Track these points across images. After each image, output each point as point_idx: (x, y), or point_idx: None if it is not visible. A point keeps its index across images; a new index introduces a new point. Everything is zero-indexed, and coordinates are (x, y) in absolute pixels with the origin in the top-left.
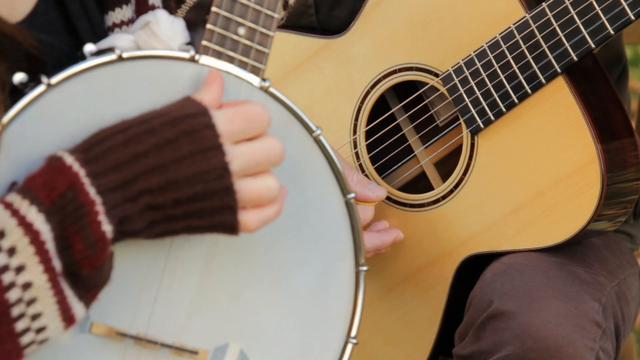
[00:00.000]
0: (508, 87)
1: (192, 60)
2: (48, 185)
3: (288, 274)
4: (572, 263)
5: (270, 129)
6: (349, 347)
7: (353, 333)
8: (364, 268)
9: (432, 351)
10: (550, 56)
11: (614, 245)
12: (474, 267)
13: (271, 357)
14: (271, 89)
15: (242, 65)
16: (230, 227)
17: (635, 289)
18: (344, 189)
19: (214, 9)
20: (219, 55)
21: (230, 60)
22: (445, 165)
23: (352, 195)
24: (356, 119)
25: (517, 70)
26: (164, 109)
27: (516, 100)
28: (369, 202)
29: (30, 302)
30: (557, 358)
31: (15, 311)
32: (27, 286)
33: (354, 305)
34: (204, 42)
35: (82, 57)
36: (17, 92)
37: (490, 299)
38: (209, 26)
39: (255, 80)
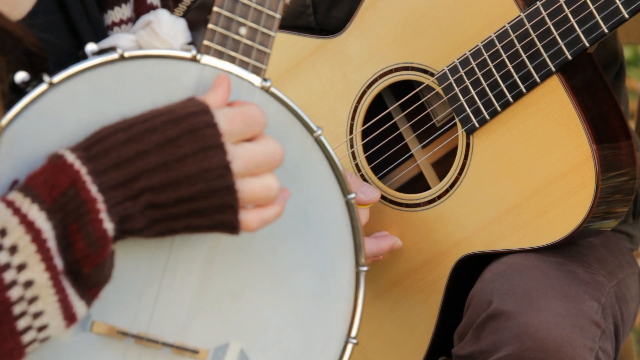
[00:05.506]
0: (503, 86)
1: (193, 60)
2: (49, 183)
3: (289, 273)
4: (572, 263)
5: (272, 129)
6: (349, 347)
7: (353, 333)
8: (364, 268)
9: (428, 351)
10: (545, 55)
11: (613, 245)
12: (470, 267)
13: (271, 357)
14: (272, 89)
15: (244, 65)
16: (231, 226)
17: (634, 288)
18: (344, 189)
19: (215, 9)
20: (220, 55)
21: (232, 60)
22: (443, 166)
23: (353, 195)
24: (352, 118)
25: (511, 69)
26: (165, 108)
27: (511, 100)
28: (363, 205)
29: (32, 300)
30: (556, 358)
31: (17, 309)
32: (28, 284)
33: (354, 306)
34: (206, 42)
35: (83, 57)
36: (20, 91)
37: (489, 299)
38: (210, 26)
39: (256, 80)
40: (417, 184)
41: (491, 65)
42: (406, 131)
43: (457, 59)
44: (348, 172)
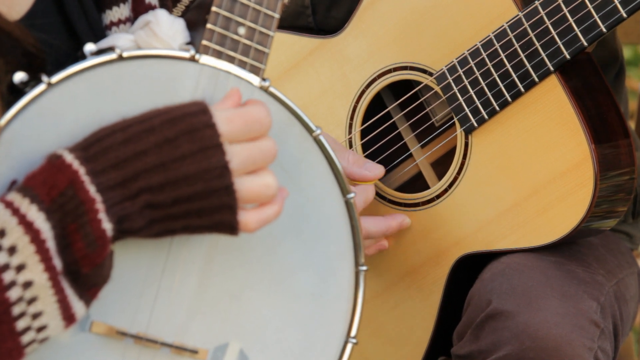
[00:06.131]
0: (501, 85)
1: (192, 59)
2: (48, 184)
3: (288, 273)
4: (571, 262)
5: (271, 129)
6: (349, 346)
7: (353, 333)
8: (364, 268)
9: (427, 350)
10: (543, 54)
11: (612, 244)
12: (468, 266)
13: (271, 357)
14: (271, 89)
15: (242, 64)
16: (230, 226)
17: (633, 288)
18: (343, 189)
19: (214, 8)
20: (219, 54)
21: (231, 59)
22: (442, 165)
23: (352, 195)
24: (351, 118)
25: (510, 69)
26: (164, 108)
27: (510, 99)
28: (368, 181)
29: (31, 301)
30: (555, 358)
31: (16, 310)
32: (27, 285)
33: (353, 305)
34: (204, 42)
35: (82, 57)
36: (18, 91)
37: (488, 298)
38: (209, 26)
39: (255, 79)
40: (416, 183)
41: (489, 64)
42: (405, 131)
43: (456, 59)
44: (350, 151)
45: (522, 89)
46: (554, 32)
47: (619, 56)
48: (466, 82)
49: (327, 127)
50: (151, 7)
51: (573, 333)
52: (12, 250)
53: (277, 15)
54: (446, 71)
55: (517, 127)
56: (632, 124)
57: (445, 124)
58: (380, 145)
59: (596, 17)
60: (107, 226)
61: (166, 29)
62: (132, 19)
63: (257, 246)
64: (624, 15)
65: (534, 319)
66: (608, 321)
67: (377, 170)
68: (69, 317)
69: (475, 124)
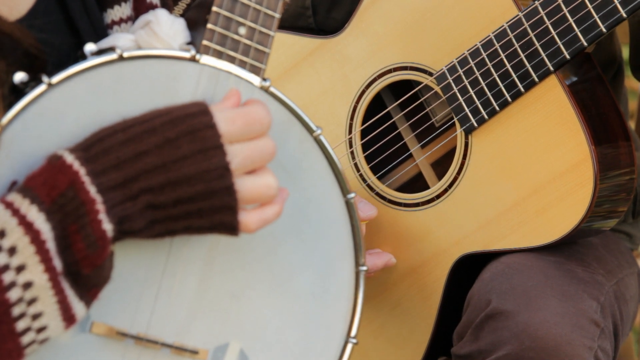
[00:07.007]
0: (501, 85)
1: (192, 59)
2: (48, 184)
3: (289, 273)
4: (571, 262)
5: (271, 129)
6: (349, 346)
7: (353, 333)
8: (364, 268)
9: (427, 350)
10: (543, 54)
11: (612, 244)
12: (468, 266)
13: (271, 357)
14: (271, 89)
15: (243, 64)
16: (230, 227)
17: (633, 288)
18: (344, 189)
19: (214, 8)
20: (219, 54)
21: (231, 59)
22: (442, 165)
23: (353, 195)
24: (351, 118)
25: (510, 69)
26: (165, 109)
27: (509, 99)
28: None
29: (31, 301)
30: (555, 357)
31: (16, 311)
32: (27, 286)
33: (353, 305)
34: (205, 42)
35: (82, 57)
36: (19, 92)
37: (488, 298)
38: (209, 26)
39: (255, 79)
40: (416, 184)
41: (489, 64)
42: (405, 131)
43: (456, 59)
44: None
45: (522, 89)
46: (554, 32)
47: (617, 57)
48: (466, 82)
49: (328, 127)
50: (152, 6)
51: (573, 333)
52: (12, 250)
53: (277, 15)
54: (446, 71)
55: (517, 127)
56: (632, 124)
57: (445, 124)
58: (380, 145)
59: (596, 17)
60: (108, 227)
61: (167, 28)
62: (133, 18)
63: (258, 246)
64: (624, 15)
65: (534, 319)
66: (608, 321)
67: (370, 211)
68: (69, 317)
69: (475, 124)
